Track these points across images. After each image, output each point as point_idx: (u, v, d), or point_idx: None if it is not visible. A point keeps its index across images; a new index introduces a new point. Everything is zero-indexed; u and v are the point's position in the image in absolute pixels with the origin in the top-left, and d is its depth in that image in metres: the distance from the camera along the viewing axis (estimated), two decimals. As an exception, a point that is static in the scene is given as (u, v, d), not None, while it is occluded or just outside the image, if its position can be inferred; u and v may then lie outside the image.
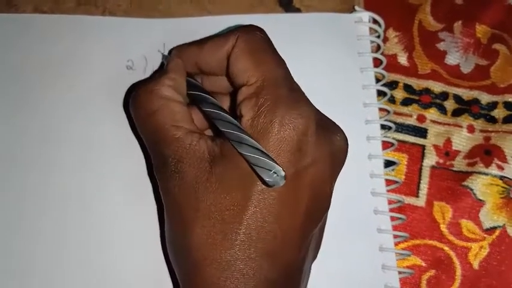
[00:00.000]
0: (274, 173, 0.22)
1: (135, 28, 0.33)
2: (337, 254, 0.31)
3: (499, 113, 0.36)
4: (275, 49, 0.26)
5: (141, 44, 0.33)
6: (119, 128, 0.32)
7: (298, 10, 0.35)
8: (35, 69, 0.32)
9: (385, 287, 0.32)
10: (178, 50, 0.28)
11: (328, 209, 0.26)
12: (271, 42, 0.26)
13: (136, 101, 0.26)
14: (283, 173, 0.22)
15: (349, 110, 0.33)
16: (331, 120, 0.27)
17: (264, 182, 0.23)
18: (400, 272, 0.32)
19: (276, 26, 0.33)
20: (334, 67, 0.34)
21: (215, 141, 0.25)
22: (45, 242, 0.30)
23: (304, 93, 0.26)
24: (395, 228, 0.33)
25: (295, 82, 0.26)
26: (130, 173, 0.31)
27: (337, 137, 0.26)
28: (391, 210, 0.33)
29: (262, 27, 0.33)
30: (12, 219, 0.30)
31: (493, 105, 0.37)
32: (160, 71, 0.28)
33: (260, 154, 0.23)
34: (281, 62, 0.26)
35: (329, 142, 0.25)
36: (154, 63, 0.33)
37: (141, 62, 0.33)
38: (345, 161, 0.26)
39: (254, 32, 0.26)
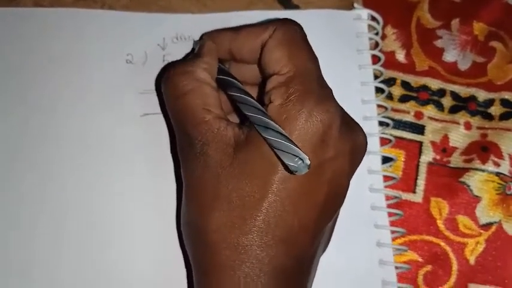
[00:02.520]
0: (300, 159, 0.22)
1: (135, 22, 0.33)
2: (334, 249, 0.31)
3: (495, 110, 0.37)
4: (310, 45, 0.27)
5: (141, 38, 0.33)
6: (118, 121, 0.32)
7: (296, 6, 0.35)
8: (35, 63, 0.32)
9: (382, 282, 0.32)
10: (212, 35, 0.29)
11: (342, 204, 0.27)
12: (306, 37, 0.27)
13: (170, 80, 0.26)
14: (308, 161, 0.22)
15: (347, 106, 0.33)
16: (353, 119, 0.27)
17: (286, 168, 0.23)
18: (397, 267, 0.33)
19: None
20: (333, 64, 0.34)
21: (242, 129, 0.25)
22: (57, 234, 0.30)
23: (332, 91, 0.26)
24: (392, 223, 0.33)
25: (324, 80, 0.26)
26: (132, 164, 0.31)
27: (359, 135, 0.27)
28: (389, 206, 0.33)
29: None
30: (14, 214, 0.30)
31: (490, 102, 0.37)
32: (194, 54, 0.28)
33: (285, 139, 0.23)
34: (314, 58, 0.26)
35: (351, 139, 0.26)
36: (154, 58, 0.33)
37: (141, 56, 0.33)
38: (362, 160, 0.27)
39: (292, 25, 0.27)
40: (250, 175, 0.24)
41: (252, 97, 0.26)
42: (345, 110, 0.33)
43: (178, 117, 0.26)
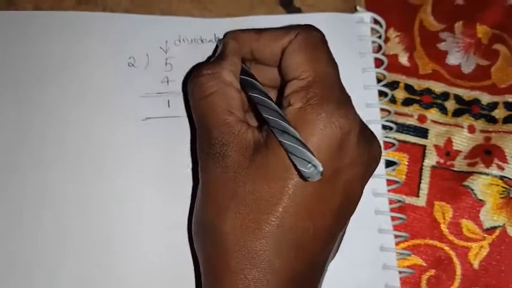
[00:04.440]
0: (313, 165, 0.22)
1: (137, 25, 0.33)
2: (338, 254, 0.31)
3: (499, 113, 0.37)
4: (330, 51, 0.27)
5: (143, 41, 0.33)
6: (120, 124, 0.32)
7: (298, 10, 0.35)
8: (36, 66, 0.32)
9: (385, 287, 0.32)
10: (235, 34, 0.29)
11: (354, 212, 0.27)
12: (327, 44, 0.27)
13: (196, 81, 0.27)
14: (321, 168, 0.22)
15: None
16: (370, 129, 0.27)
17: (300, 174, 0.23)
18: (400, 272, 0.32)
19: (277, 27, 0.33)
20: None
21: (261, 133, 0.25)
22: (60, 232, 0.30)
23: (350, 98, 0.26)
24: (396, 228, 0.33)
25: (343, 86, 0.26)
26: (133, 168, 0.31)
27: (376, 146, 0.26)
28: (392, 210, 0.33)
29: (263, 27, 0.34)
30: (15, 217, 0.30)
31: (494, 106, 0.37)
32: (219, 54, 0.28)
33: (300, 145, 0.23)
34: (334, 64, 0.26)
35: (368, 147, 0.26)
36: (156, 61, 0.33)
37: (143, 59, 0.33)
38: (375, 170, 0.27)
39: (313, 31, 0.27)
40: (266, 178, 0.24)
41: (271, 100, 0.26)
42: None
43: (201, 117, 0.27)
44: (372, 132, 0.27)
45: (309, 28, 0.27)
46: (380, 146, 0.27)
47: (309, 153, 0.23)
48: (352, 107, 0.26)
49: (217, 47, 0.32)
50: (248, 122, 0.26)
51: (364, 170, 0.26)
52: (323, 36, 0.27)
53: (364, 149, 0.25)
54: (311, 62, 0.26)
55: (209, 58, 0.33)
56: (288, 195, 0.24)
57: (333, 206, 0.25)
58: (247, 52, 0.28)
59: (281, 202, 0.24)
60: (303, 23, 0.34)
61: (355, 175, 0.25)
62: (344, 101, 0.25)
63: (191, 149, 0.32)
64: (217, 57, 0.28)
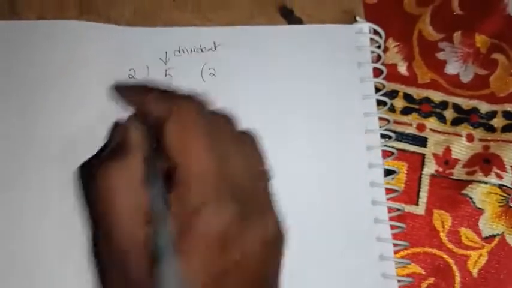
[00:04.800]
0: None
1: (137, 36, 0.33)
2: (337, 263, 0.31)
3: (498, 122, 0.37)
4: (210, 132, 0.25)
5: (142, 53, 0.33)
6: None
7: (299, 19, 0.36)
8: (36, 76, 0.32)
9: (385, 295, 0.32)
10: (125, 91, 0.28)
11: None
12: (207, 122, 0.25)
13: (101, 175, 0.24)
14: None
15: (349, 119, 0.34)
16: (262, 205, 0.26)
17: None
18: (399, 280, 0.33)
19: (277, 37, 0.34)
20: (335, 77, 0.34)
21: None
22: None
23: (231, 183, 0.25)
24: (395, 236, 0.33)
25: (222, 171, 0.24)
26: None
27: (269, 223, 0.25)
28: (391, 218, 0.33)
29: (263, 38, 0.34)
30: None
31: (492, 115, 0.37)
32: (122, 145, 0.26)
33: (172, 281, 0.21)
34: (211, 152, 0.24)
35: (258, 233, 0.24)
36: (156, 72, 0.33)
37: (143, 70, 0.33)
38: (283, 244, 0.25)
39: (191, 111, 0.25)
40: None
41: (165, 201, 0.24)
42: (347, 123, 0.33)
43: (103, 220, 0.24)
44: (265, 209, 0.26)
45: (187, 106, 0.25)
46: (278, 220, 0.25)
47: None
48: (229, 196, 0.24)
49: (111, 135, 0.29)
50: (149, 223, 0.24)
51: (260, 253, 0.24)
52: (202, 111, 0.25)
53: (254, 236, 0.24)
54: (185, 151, 0.24)
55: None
56: None
57: None
58: (138, 109, 0.27)
59: None
60: (303, 35, 0.34)
61: (253, 262, 0.24)
62: (221, 193, 0.24)
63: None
64: (121, 148, 0.25)
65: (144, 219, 0.23)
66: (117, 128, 0.27)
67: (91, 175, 0.25)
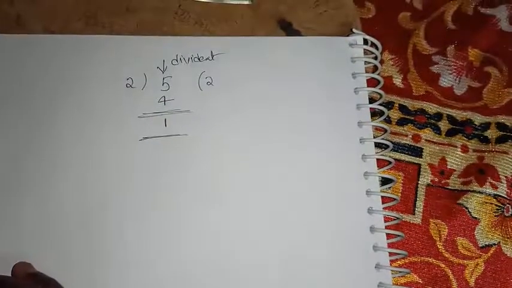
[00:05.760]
0: None
1: (135, 46, 0.34)
2: (333, 271, 0.32)
3: (491, 133, 0.37)
4: None
5: (140, 62, 0.34)
6: (118, 144, 0.33)
7: (297, 32, 0.37)
8: (38, 87, 0.33)
9: (381, 304, 0.32)
10: None
11: None
12: None
13: None
14: None
15: (343, 129, 0.34)
16: None
17: None
18: (397, 289, 0.33)
19: (273, 47, 0.35)
20: (330, 88, 0.35)
21: None
22: None
23: None
24: (392, 245, 0.34)
25: None
26: (130, 186, 0.32)
27: None
28: (389, 227, 0.34)
29: (260, 48, 0.35)
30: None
31: (486, 126, 0.38)
32: None
33: None
34: None
35: None
36: (154, 81, 0.34)
37: (141, 79, 0.34)
38: None
39: None
40: None
41: None
42: (342, 132, 0.34)
43: None
44: None
45: None
46: None
47: None
48: None
49: None
50: None
51: None
52: None
53: None
54: None
55: None
56: None
57: None
58: None
59: None
60: (300, 46, 0.35)
61: None
62: None
63: None
64: None
65: None
66: None
67: None
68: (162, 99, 0.33)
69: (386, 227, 0.34)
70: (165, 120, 0.33)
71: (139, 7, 0.35)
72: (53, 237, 0.31)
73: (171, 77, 0.34)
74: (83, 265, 0.30)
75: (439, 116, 0.38)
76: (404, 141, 0.37)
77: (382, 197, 0.34)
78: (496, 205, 0.36)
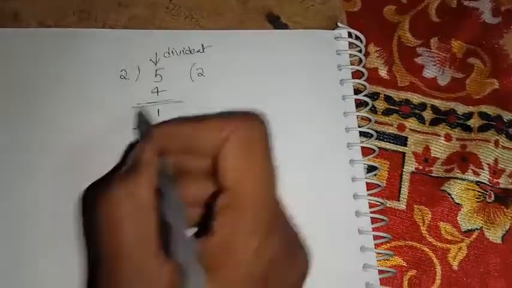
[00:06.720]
0: None
1: (128, 39, 0.35)
2: (318, 254, 0.33)
3: (474, 122, 0.39)
4: (268, 152, 0.24)
5: (134, 54, 0.35)
6: (112, 134, 0.33)
7: (285, 25, 0.38)
8: (34, 80, 0.34)
9: (366, 285, 0.33)
10: (167, 130, 0.26)
11: None
12: (268, 141, 0.24)
13: (107, 200, 0.23)
14: None
15: (330, 119, 0.36)
16: (298, 240, 0.26)
17: None
18: (381, 271, 0.34)
19: (261, 40, 0.36)
20: (316, 80, 0.36)
21: (175, 272, 0.22)
22: None
23: (281, 213, 0.25)
24: (378, 229, 0.35)
25: (276, 200, 0.24)
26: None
27: (303, 260, 0.26)
28: (374, 213, 0.35)
29: (248, 41, 0.36)
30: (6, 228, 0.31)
31: (469, 115, 0.39)
32: (133, 165, 0.24)
33: None
34: (270, 175, 0.24)
35: (296, 265, 0.25)
36: (147, 72, 0.35)
37: (134, 71, 0.35)
38: (308, 272, 0.26)
39: (253, 129, 0.24)
40: None
41: (184, 224, 0.23)
42: (328, 122, 0.35)
43: (108, 246, 0.23)
44: (300, 245, 0.26)
45: (250, 121, 0.24)
46: (307, 253, 0.26)
47: None
48: (279, 228, 0.24)
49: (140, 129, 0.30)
50: (162, 252, 0.22)
51: (294, 286, 0.25)
52: (264, 128, 0.24)
53: (292, 269, 0.24)
54: (244, 174, 0.23)
55: (141, 126, 0.31)
56: None
57: None
58: (181, 146, 0.25)
59: None
60: (286, 39, 0.36)
61: None
62: (274, 225, 0.23)
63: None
64: (131, 169, 0.24)
65: (154, 247, 0.22)
66: (131, 149, 0.26)
67: (94, 202, 0.23)
68: (155, 90, 0.35)
69: (371, 213, 0.35)
70: (158, 110, 0.34)
71: (132, 2, 0.36)
72: (42, 225, 0.32)
73: (163, 68, 0.35)
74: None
75: (423, 106, 0.39)
76: (389, 131, 0.38)
77: (368, 184, 0.35)
78: (479, 191, 0.37)
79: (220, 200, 0.23)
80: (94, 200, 0.23)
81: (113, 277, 0.22)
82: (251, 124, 0.24)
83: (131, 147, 0.31)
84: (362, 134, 0.36)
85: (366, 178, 0.35)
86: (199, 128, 0.25)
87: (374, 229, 0.35)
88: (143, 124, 0.30)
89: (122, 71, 0.35)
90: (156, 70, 0.35)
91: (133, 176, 0.23)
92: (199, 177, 0.26)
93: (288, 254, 0.24)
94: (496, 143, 0.38)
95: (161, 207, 0.23)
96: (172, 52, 0.35)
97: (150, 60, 0.35)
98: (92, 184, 0.31)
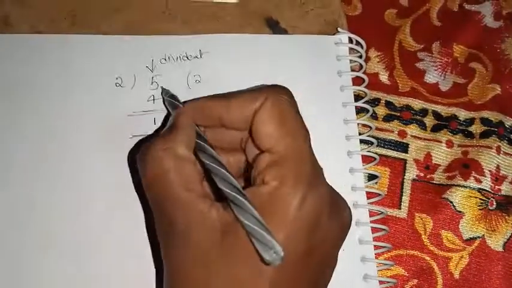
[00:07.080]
0: (274, 252, 0.22)
1: (124, 46, 0.34)
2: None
3: (476, 128, 0.38)
4: (300, 115, 0.26)
5: (129, 61, 0.34)
6: (108, 142, 0.33)
7: (284, 30, 0.37)
8: (27, 87, 0.33)
9: (366, 295, 0.33)
10: (202, 104, 0.28)
11: (331, 277, 0.27)
12: (297, 107, 0.27)
13: (149, 157, 0.25)
14: (281, 254, 0.22)
15: (330, 126, 0.35)
16: (340, 196, 0.27)
17: (261, 257, 0.22)
18: (382, 282, 0.33)
19: (260, 45, 0.35)
20: (315, 86, 0.35)
21: (227, 210, 0.24)
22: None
23: (321, 168, 0.26)
24: (378, 239, 0.34)
25: (314, 157, 0.26)
26: (118, 189, 0.32)
27: (346, 214, 0.27)
28: (375, 222, 0.34)
29: (247, 46, 0.35)
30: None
31: (470, 121, 0.38)
32: (171, 126, 0.27)
33: (261, 227, 0.22)
34: (305, 133, 0.26)
35: (339, 219, 0.26)
36: (143, 80, 0.34)
37: (130, 78, 0.34)
38: (347, 233, 0.27)
39: (282, 95, 0.26)
40: (241, 262, 0.23)
41: (227, 170, 0.25)
42: (328, 129, 0.35)
43: (158, 197, 0.25)
44: (342, 199, 0.27)
45: (278, 91, 0.26)
46: (350, 212, 0.27)
47: (271, 238, 0.22)
48: (324, 182, 0.26)
49: (164, 98, 0.32)
50: (209, 196, 0.25)
51: (339, 239, 0.26)
52: (291, 97, 0.27)
53: (336, 222, 0.26)
54: (282, 133, 0.25)
55: (165, 121, 0.33)
56: (266, 275, 0.23)
57: (311, 279, 0.25)
58: (214, 120, 0.27)
59: (260, 284, 0.23)
60: (286, 45, 0.36)
61: (329, 247, 0.26)
62: (316, 177, 0.25)
63: (148, 232, 0.31)
64: (169, 129, 0.27)
65: (199, 190, 0.24)
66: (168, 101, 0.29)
67: (138, 157, 0.26)
68: (152, 98, 0.34)
69: (372, 222, 0.34)
70: (154, 119, 0.34)
71: (127, 7, 0.36)
72: (38, 227, 0.31)
73: (160, 75, 0.34)
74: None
75: (424, 112, 0.38)
76: (390, 137, 0.38)
77: (368, 192, 0.35)
78: (480, 199, 0.37)
79: (264, 158, 0.25)
80: (139, 157, 0.26)
81: (169, 224, 0.24)
82: (279, 91, 0.26)
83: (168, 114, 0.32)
84: (362, 140, 0.36)
85: (367, 187, 0.34)
86: (231, 103, 0.26)
87: (374, 238, 0.34)
88: (172, 101, 0.30)
89: (117, 78, 0.34)
90: (152, 77, 0.34)
91: (170, 134, 0.26)
92: (231, 150, 0.28)
93: (331, 206, 0.25)
94: (498, 149, 0.37)
95: (202, 159, 0.25)
96: (169, 58, 0.34)
97: (147, 67, 0.34)
98: (138, 143, 0.32)
